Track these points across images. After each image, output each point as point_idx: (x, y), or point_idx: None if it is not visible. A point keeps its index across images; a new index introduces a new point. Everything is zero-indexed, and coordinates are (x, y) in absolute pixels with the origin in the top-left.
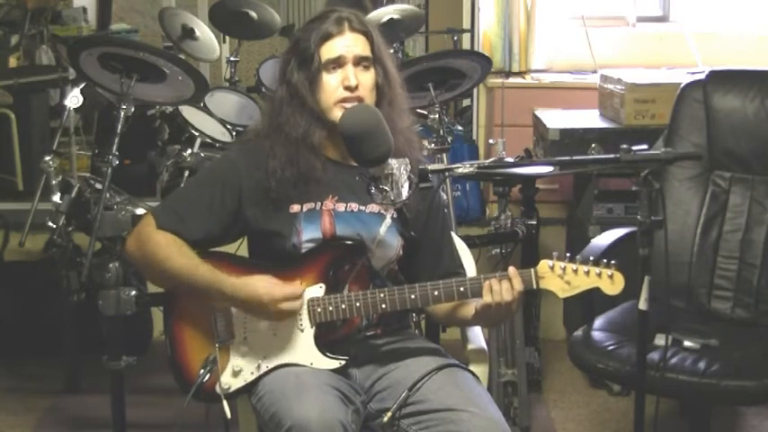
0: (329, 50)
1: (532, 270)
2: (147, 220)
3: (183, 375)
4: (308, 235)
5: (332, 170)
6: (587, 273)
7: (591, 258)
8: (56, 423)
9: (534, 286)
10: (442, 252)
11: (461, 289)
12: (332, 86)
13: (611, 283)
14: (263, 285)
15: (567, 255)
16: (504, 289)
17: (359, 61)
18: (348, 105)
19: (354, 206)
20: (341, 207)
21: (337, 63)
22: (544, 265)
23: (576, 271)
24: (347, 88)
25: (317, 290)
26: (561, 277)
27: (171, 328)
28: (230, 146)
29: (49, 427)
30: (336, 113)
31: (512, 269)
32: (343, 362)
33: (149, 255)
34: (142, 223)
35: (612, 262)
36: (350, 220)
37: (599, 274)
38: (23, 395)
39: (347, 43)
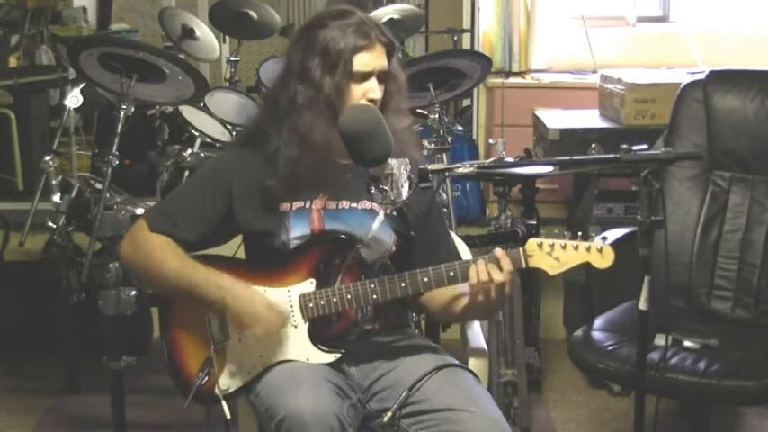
0: (362, 63)
1: (521, 249)
2: (140, 224)
3: (182, 379)
4: (297, 232)
5: (328, 170)
6: (576, 248)
7: (579, 234)
8: (56, 423)
9: (523, 265)
10: (438, 245)
11: (451, 273)
12: (356, 96)
13: (600, 256)
14: (262, 295)
15: (555, 231)
16: (490, 269)
17: (382, 75)
18: None
19: (346, 203)
20: (332, 205)
21: (365, 76)
22: (532, 243)
23: (564, 247)
24: (370, 101)
25: (308, 285)
26: (550, 254)
27: (167, 333)
28: (226, 145)
29: (49, 427)
30: None
31: (498, 250)
32: (339, 354)
33: (145, 257)
34: (136, 227)
35: (603, 236)
36: (340, 217)
37: (588, 249)
38: (23, 395)
39: (376, 57)
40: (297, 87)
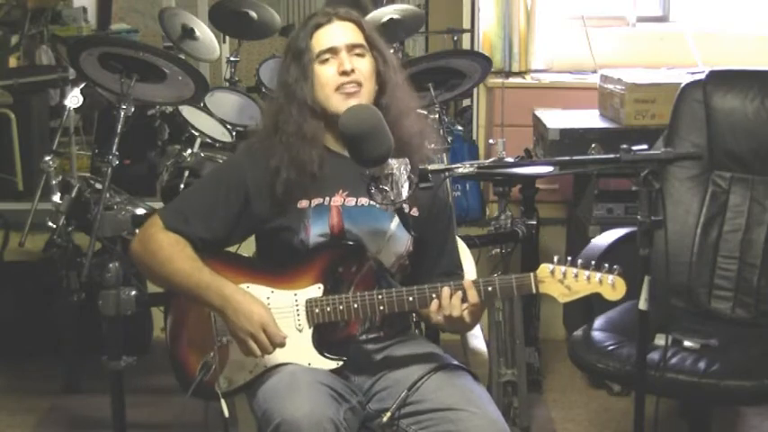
0: (320, 41)
1: (532, 274)
2: (152, 220)
3: (184, 373)
4: (317, 230)
5: (339, 164)
6: (588, 279)
7: (593, 263)
8: (56, 423)
9: (534, 291)
10: (443, 252)
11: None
12: (328, 76)
13: (612, 289)
14: (262, 311)
15: (569, 258)
16: (453, 303)
17: (352, 48)
18: (348, 89)
19: (365, 200)
20: (351, 201)
21: (331, 53)
22: (544, 269)
23: (576, 276)
24: (343, 73)
25: (315, 290)
26: (561, 282)
27: (172, 327)
28: (236, 147)
29: (49, 427)
30: (336, 102)
31: (467, 281)
32: (341, 362)
33: (152, 255)
34: (147, 224)
35: (615, 267)
36: (359, 215)
37: (600, 281)
38: (23, 395)
39: (337, 32)
40: (279, 92)
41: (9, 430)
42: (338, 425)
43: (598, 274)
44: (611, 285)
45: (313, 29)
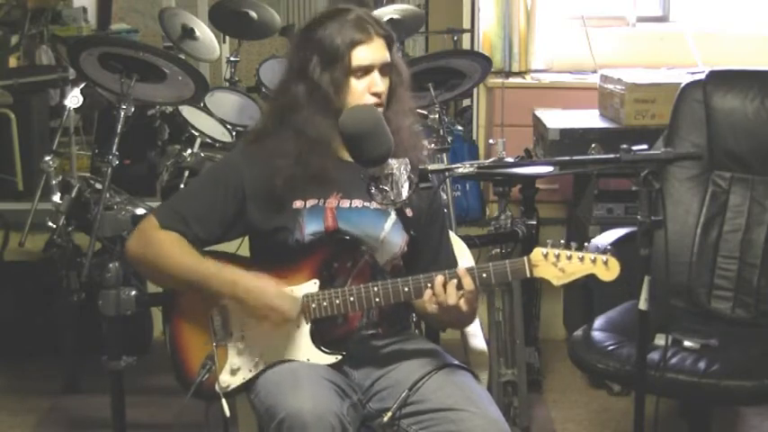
0: (360, 57)
1: (525, 258)
2: (148, 220)
3: (184, 374)
4: (311, 228)
5: (338, 168)
6: (581, 259)
7: (586, 244)
8: (56, 423)
9: (528, 275)
10: (439, 252)
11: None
12: (359, 91)
13: (606, 269)
14: (271, 282)
15: (562, 242)
16: (448, 290)
17: (383, 68)
18: None
19: (359, 203)
20: (345, 203)
21: (366, 70)
22: (538, 252)
23: (570, 258)
24: (374, 94)
25: (311, 286)
26: (555, 265)
27: (171, 328)
28: (234, 145)
29: (49, 427)
30: None
31: (461, 269)
32: (340, 357)
33: (152, 254)
34: (143, 224)
35: (608, 248)
36: (353, 217)
37: (593, 261)
38: (23, 395)
39: (375, 50)
40: (297, 87)
41: (9, 430)
42: (342, 419)
43: (591, 255)
44: (604, 265)
45: (355, 43)
